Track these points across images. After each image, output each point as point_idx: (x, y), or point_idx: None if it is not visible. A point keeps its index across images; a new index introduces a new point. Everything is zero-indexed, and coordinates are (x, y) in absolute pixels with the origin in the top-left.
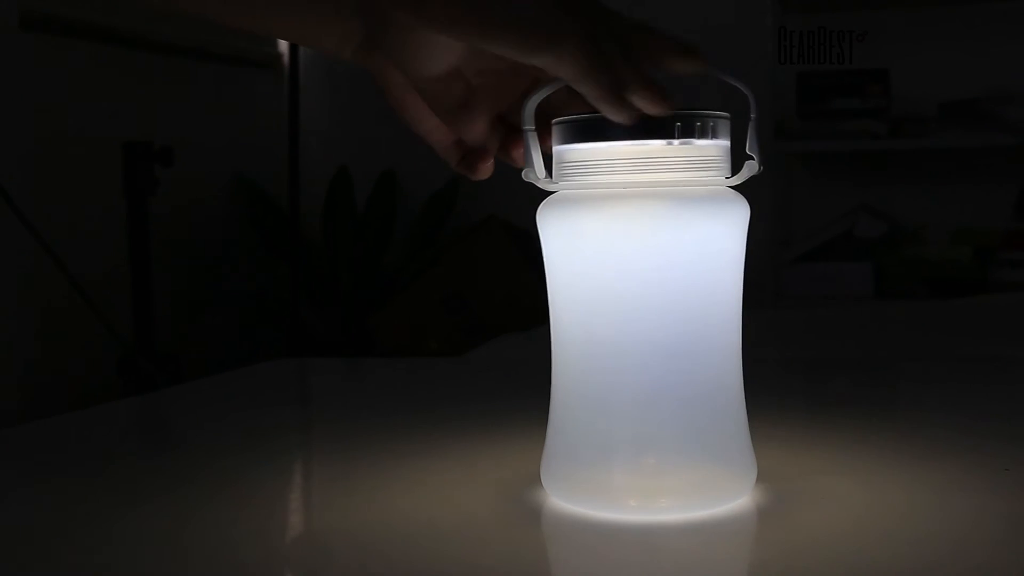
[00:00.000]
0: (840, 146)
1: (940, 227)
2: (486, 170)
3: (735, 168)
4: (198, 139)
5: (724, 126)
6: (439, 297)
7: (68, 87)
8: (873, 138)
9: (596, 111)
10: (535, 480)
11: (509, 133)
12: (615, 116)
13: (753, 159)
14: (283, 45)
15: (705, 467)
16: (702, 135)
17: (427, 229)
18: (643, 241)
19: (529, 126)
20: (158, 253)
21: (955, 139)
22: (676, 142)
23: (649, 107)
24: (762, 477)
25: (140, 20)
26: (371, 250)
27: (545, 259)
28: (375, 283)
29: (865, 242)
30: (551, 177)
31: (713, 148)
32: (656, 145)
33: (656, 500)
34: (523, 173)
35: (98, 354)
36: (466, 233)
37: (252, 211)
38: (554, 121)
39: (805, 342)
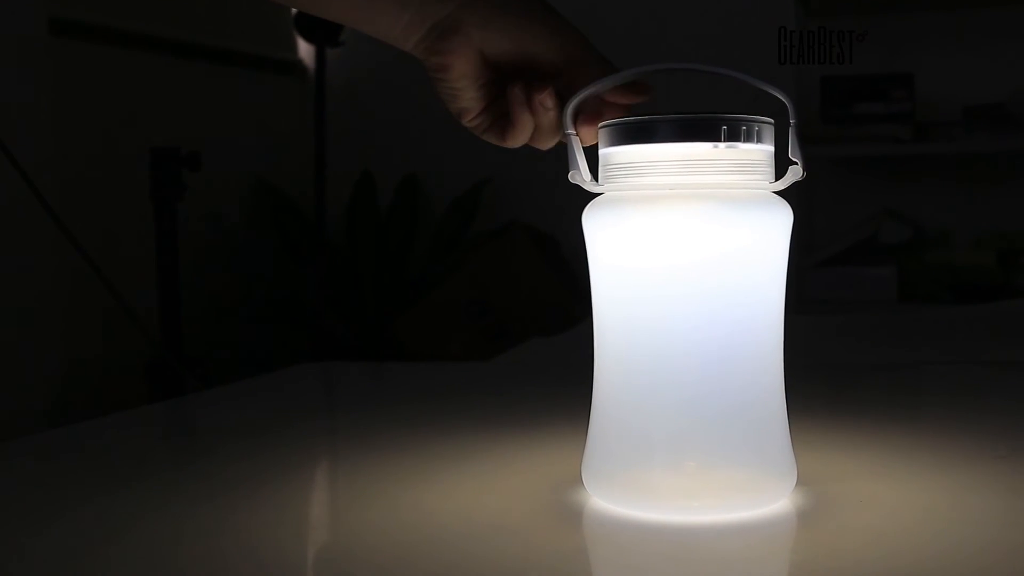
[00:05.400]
0: (864, 150)
1: (964, 232)
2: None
3: (778, 174)
4: (224, 144)
5: (768, 131)
6: (462, 302)
7: (96, 92)
8: (897, 142)
9: (632, 116)
10: (575, 481)
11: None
12: None
13: (797, 164)
14: (305, 51)
15: (746, 469)
16: (747, 139)
17: (450, 234)
18: (688, 241)
19: (571, 130)
20: (185, 257)
21: (980, 143)
22: (722, 145)
23: None
24: (801, 480)
25: (167, 25)
26: (394, 255)
27: (590, 260)
28: (398, 287)
29: (889, 247)
30: (596, 180)
31: (758, 152)
32: (702, 148)
33: (697, 501)
34: (569, 175)
35: (125, 358)
36: (489, 238)
37: (276, 215)
38: (600, 124)
39: (828, 347)
